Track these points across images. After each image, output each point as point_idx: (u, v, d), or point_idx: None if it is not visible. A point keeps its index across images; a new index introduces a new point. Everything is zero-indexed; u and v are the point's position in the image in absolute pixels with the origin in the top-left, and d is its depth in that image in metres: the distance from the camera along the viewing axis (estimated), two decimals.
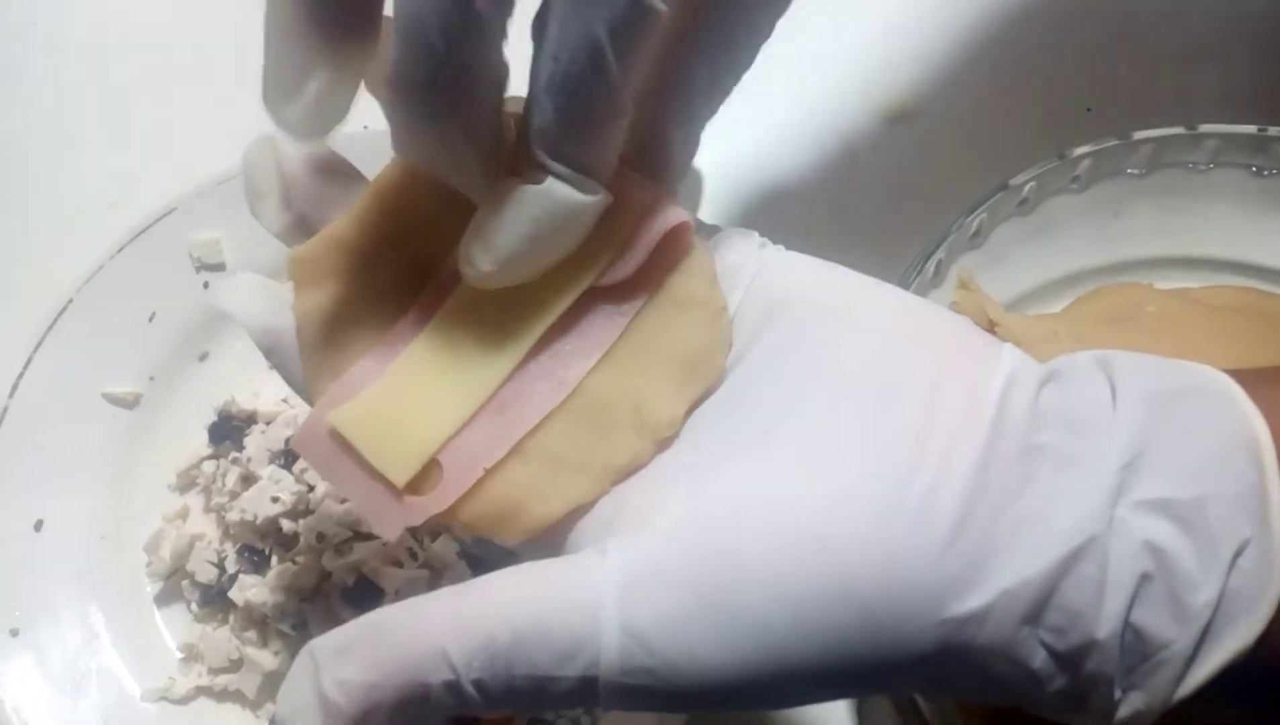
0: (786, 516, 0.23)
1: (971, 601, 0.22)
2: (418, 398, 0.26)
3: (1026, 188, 0.41)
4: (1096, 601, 0.22)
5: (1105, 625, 0.22)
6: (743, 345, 0.26)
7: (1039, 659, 0.23)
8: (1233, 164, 0.41)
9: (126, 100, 0.56)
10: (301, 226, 0.28)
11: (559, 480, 0.25)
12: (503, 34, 0.22)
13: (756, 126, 0.51)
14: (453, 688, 0.22)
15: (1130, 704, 0.23)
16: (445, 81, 0.22)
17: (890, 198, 0.49)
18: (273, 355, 0.28)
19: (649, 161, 0.27)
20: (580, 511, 0.25)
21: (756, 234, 0.28)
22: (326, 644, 0.23)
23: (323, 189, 0.28)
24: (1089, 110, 0.50)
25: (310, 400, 0.28)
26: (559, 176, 0.23)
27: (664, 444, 0.25)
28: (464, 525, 0.26)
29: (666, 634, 0.22)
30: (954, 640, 0.22)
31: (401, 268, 0.27)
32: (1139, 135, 0.41)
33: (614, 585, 0.23)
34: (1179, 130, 0.41)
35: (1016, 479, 0.23)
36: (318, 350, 0.27)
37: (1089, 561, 0.22)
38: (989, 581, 0.22)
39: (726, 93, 0.27)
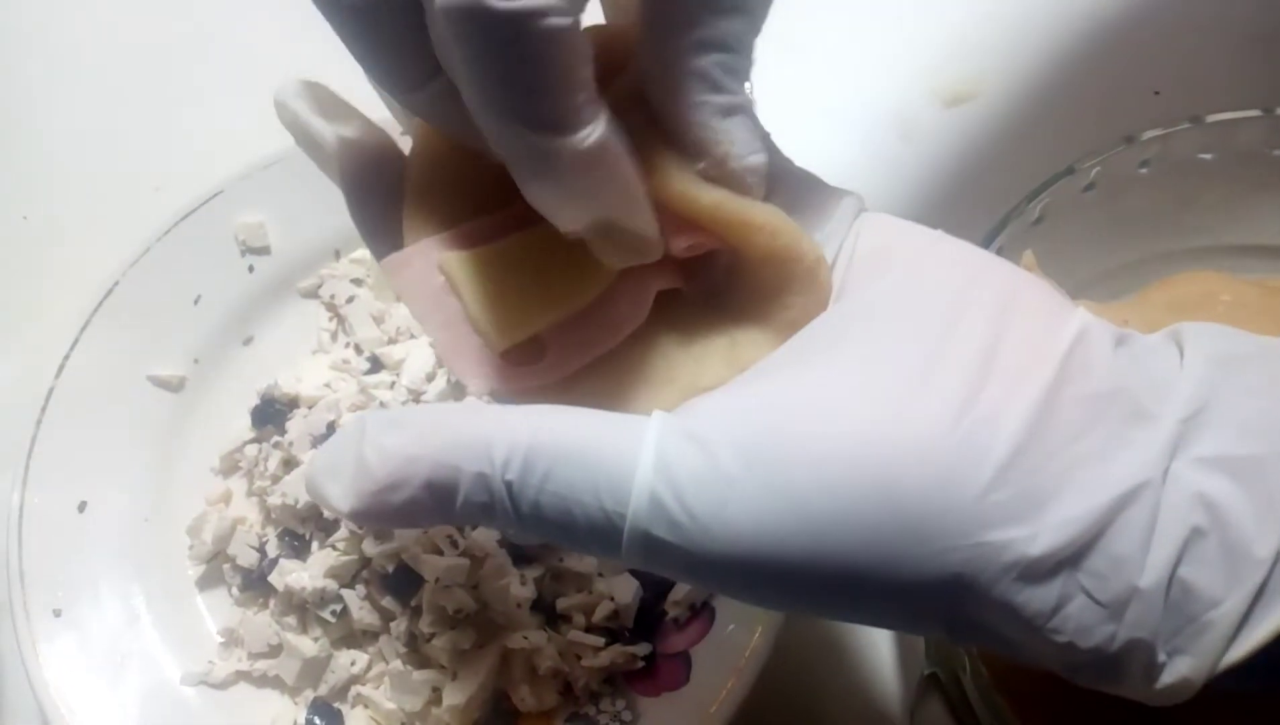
0: (842, 414, 0.22)
1: (1014, 531, 0.21)
2: (535, 273, 0.25)
3: (1093, 172, 0.39)
4: (1142, 549, 0.21)
5: (1150, 574, 0.21)
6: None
7: (1076, 604, 0.22)
8: None
9: (172, 85, 0.56)
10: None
11: (647, 388, 0.25)
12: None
13: (813, 111, 0.50)
14: (484, 482, 0.22)
15: (1174, 670, 0.22)
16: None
17: (950, 182, 0.47)
18: (352, 178, 0.26)
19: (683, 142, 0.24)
20: None
21: (859, 195, 0.26)
22: (381, 415, 0.23)
23: None
24: (1157, 93, 0.48)
25: (379, 241, 0.26)
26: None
27: None
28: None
29: (701, 490, 0.22)
30: (989, 568, 0.21)
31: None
32: (1213, 118, 0.39)
33: (657, 435, 0.22)
34: (1255, 113, 0.39)
35: (1078, 423, 0.22)
36: (427, 192, 0.26)
37: (1139, 509, 0.21)
38: (1036, 515, 0.21)
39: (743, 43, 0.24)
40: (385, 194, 0.27)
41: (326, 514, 0.41)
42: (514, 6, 0.20)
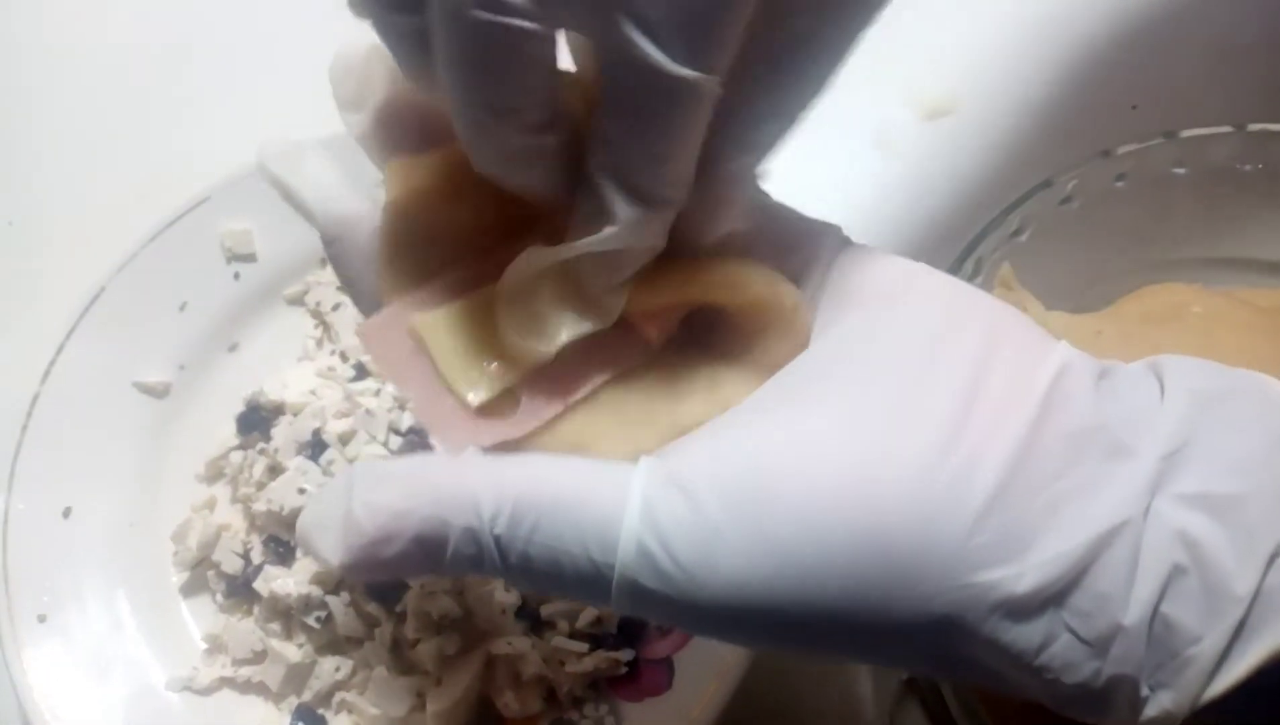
0: (826, 457, 0.22)
1: (999, 571, 0.22)
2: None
3: (1069, 185, 0.40)
4: (1126, 587, 0.22)
5: (1133, 611, 0.22)
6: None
7: (1062, 642, 0.22)
8: None
9: (157, 92, 0.56)
10: (385, 138, 0.27)
11: (626, 430, 0.25)
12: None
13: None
14: (473, 536, 0.23)
15: (1157, 703, 0.22)
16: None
17: (929, 195, 0.48)
18: (335, 245, 0.27)
19: (707, 193, 0.25)
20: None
21: (839, 228, 0.27)
22: (367, 469, 0.24)
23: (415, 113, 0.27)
24: (1134, 108, 0.49)
25: (364, 300, 0.27)
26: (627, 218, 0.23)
27: None
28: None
29: (688, 539, 0.22)
30: (976, 609, 0.22)
31: (495, 205, 0.26)
32: (1186, 133, 0.40)
33: (642, 484, 0.23)
34: (1227, 129, 0.40)
35: (1060, 460, 0.22)
36: (399, 251, 0.26)
37: (1121, 546, 0.22)
38: (1020, 555, 0.22)
39: (790, 122, 0.25)
40: (368, 256, 0.27)
41: None
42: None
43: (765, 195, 0.27)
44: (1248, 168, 0.41)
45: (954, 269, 0.39)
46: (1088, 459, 0.22)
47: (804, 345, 0.25)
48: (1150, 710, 0.22)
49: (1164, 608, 0.22)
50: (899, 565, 0.21)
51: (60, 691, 0.40)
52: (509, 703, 0.39)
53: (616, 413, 0.25)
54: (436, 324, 0.25)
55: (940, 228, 0.40)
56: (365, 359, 0.45)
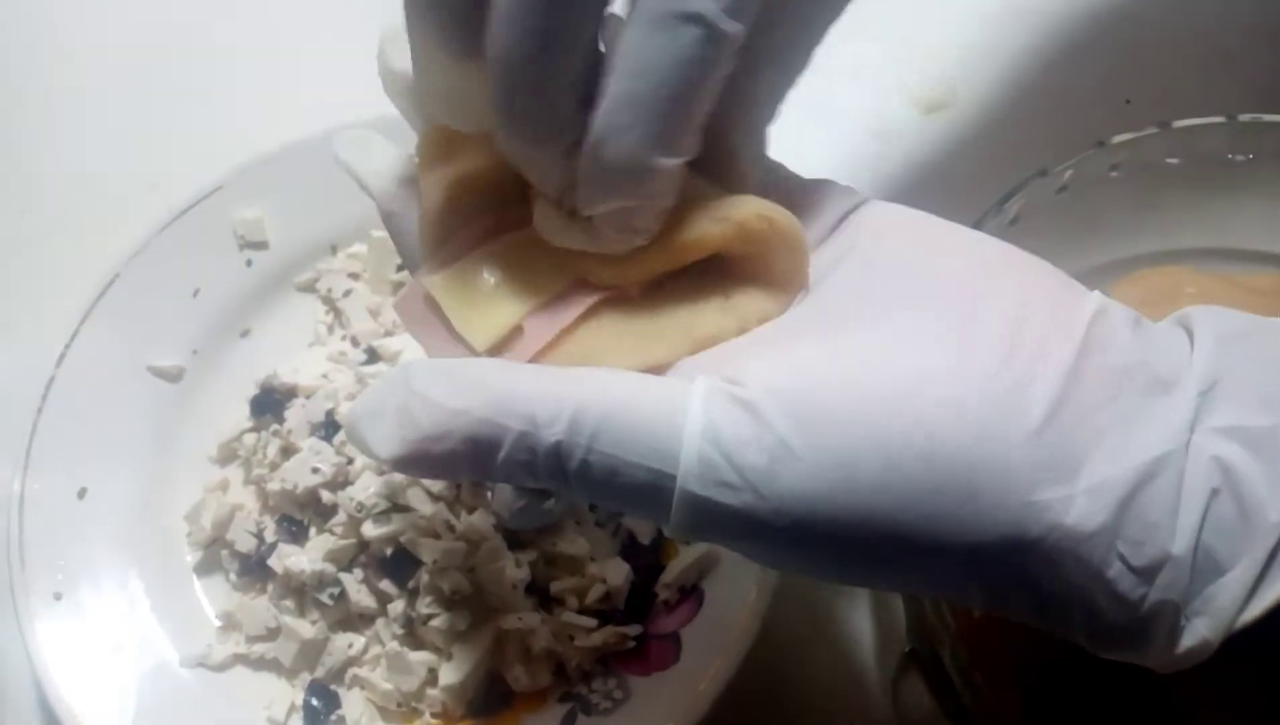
0: (885, 376, 0.23)
1: (1056, 490, 0.22)
2: (506, 272, 0.26)
3: (1065, 175, 0.41)
4: (1172, 516, 0.22)
5: (1180, 540, 0.22)
6: (838, 256, 0.26)
7: (1114, 570, 0.22)
8: (1273, 154, 0.41)
9: (171, 82, 0.57)
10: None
11: (636, 342, 0.26)
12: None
13: (792, 116, 0.52)
14: (527, 441, 0.23)
15: (1194, 632, 0.23)
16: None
17: (927, 185, 0.49)
18: (391, 221, 0.29)
19: (721, 173, 0.27)
20: (660, 371, 0.26)
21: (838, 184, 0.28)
22: (424, 364, 0.24)
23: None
24: (1128, 102, 0.50)
25: (414, 270, 0.28)
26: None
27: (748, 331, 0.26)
28: None
29: (751, 450, 0.22)
30: (1034, 529, 0.22)
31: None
32: (1179, 124, 0.41)
33: (701, 399, 0.23)
34: (1219, 120, 0.41)
35: (1104, 392, 0.23)
36: (439, 223, 0.27)
37: (1167, 476, 0.22)
38: (1071, 478, 0.22)
39: (783, 97, 0.27)
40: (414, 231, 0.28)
41: (324, 499, 0.42)
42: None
43: (769, 159, 0.28)
44: (1239, 158, 0.42)
45: None
46: (1129, 392, 0.23)
47: (804, 263, 0.26)
48: (1187, 640, 0.23)
49: (1204, 536, 0.22)
50: (960, 478, 0.22)
51: (75, 668, 0.41)
52: (519, 677, 0.40)
53: (624, 329, 0.26)
54: (444, 281, 0.26)
55: (938, 215, 0.41)
56: (376, 343, 0.46)
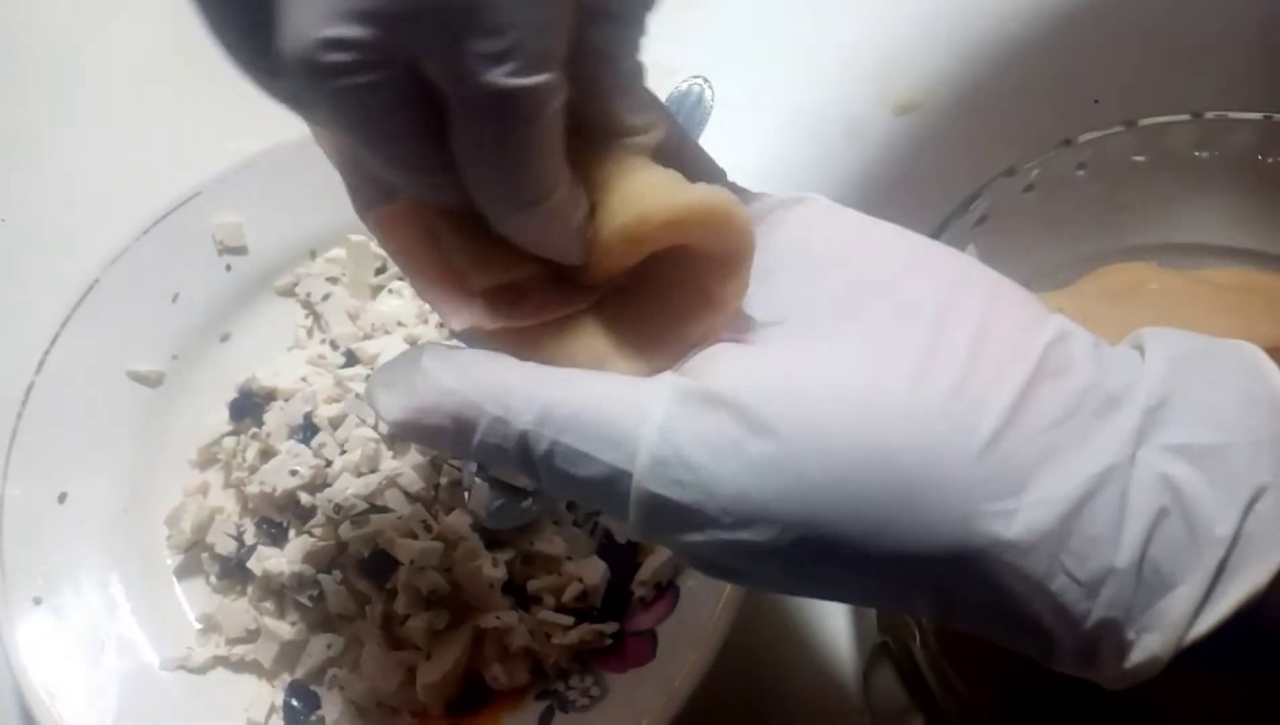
0: (839, 383, 0.23)
1: (999, 504, 0.23)
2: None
3: (1032, 173, 0.42)
4: (1116, 529, 0.23)
5: (1124, 553, 0.23)
6: (802, 279, 0.26)
7: (1058, 583, 0.23)
8: (1238, 151, 0.42)
9: (149, 88, 0.57)
10: None
11: (642, 347, 0.26)
12: None
13: (763, 117, 0.52)
14: (501, 426, 0.24)
15: (1143, 648, 0.23)
16: None
17: (897, 187, 0.50)
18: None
19: (603, 132, 0.26)
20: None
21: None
22: (437, 349, 0.26)
23: None
24: (1096, 102, 0.51)
25: (357, 193, 0.28)
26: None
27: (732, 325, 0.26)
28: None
29: (703, 452, 0.23)
30: (978, 541, 0.22)
31: None
32: (1145, 122, 0.42)
33: (662, 400, 0.24)
34: (1184, 117, 0.42)
35: (1056, 412, 0.23)
36: None
37: (1110, 491, 0.23)
38: (1018, 493, 0.23)
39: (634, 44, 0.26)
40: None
41: (303, 502, 0.43)
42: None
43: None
44: (1204, 155, 0.42)
45: None
46: (1081, 413, 0.23)
47: (746, 244, 0.25)
48: (1136, 655, 0.23)
49: (1151, 551, 0.23)
50: (905, 489, 0.22)
51: (56, 672, 0.41)
52: (497, 675, 0.40)
53: (628, 332, 0.26)
54: (454, 219, 0.26)
55: (907, 213, 0.41)
56: (355, 347, 0.46)
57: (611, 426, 0.24)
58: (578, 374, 0.25)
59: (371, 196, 0.27)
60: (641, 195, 0.25)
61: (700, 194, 0.25)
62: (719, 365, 0.25)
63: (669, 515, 0.24)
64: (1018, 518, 0.23)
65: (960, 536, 0.23)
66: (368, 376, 0.45)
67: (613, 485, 0.24)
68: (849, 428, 0.23)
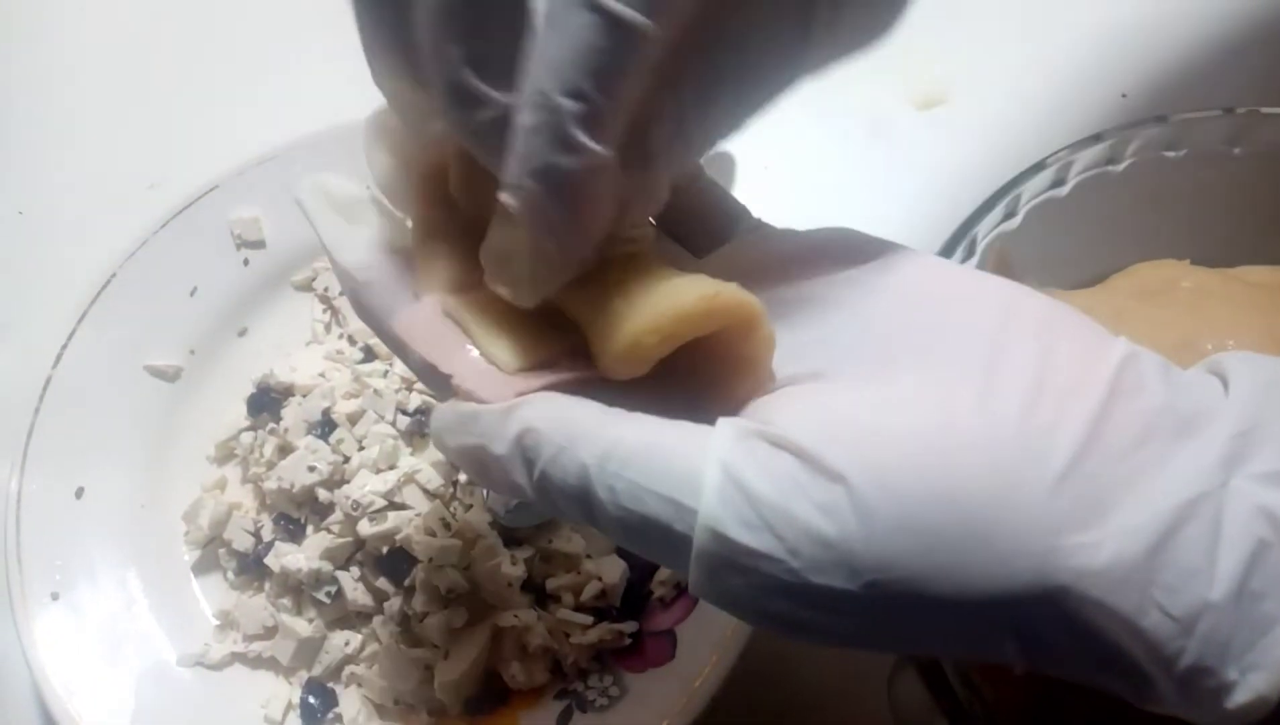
0: (900, 426, 0.22)
1: (1084, 535, 0.21)
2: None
3: (1061, 167, 0.41)
4: (1209, 561, 0.21)
5: (1220, 586, 0.21)
6: (852, 319, 0.25)
7: (1151, 619, 0.21)
8: (1270, 147, 0.41)
9: (168, 83, 0.57)
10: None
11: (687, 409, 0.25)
12: None
13: (785, 114, 0.52)
14: (565, 457, 0.23)
15: (1249, 687, 0.22)
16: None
17: (924, 181, 0.49)
18: (362, 294, 0.28)
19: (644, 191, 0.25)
20: None
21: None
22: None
23: None
24: (1124, 96, 0.50)
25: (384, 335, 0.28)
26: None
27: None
28: None
29: (770, 491, 0.22)
30: (1062, 574, 0.21)
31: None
32: (1175, 116, 0.41)
33: (726, 439, 0.23)
34: (1215, 112, 0.41)
35: (1133, 436, 0.22)
36: (429, 255, 0.27)
37: (1201, 520, 0.22)
38: (1100, 522, 0.21)
39: (714, 130, 0.26)
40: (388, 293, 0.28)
41: (321, 498, 0.42)
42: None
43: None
44: (1236, 151, 0.41)
45: (948, 251, 0.40)
46: (1159, 436, 0.22)
47: (763, 347, 0.25)
48: (1240, 695, 0.22)
49: (1252, 584, 0.21)
50: (979, 525, 0.21)
51: (73, 668, 0.41)
52: (515, 674, 0.40)
53: (672, 392, 0.25)
54: (470, 304, 0.26)
55: (935, 212, 0.41)
56: (373, 342, 0.46)
57: (676, 464, 0.23)
58: (640, 415, 0.24)
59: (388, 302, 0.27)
60: (644, 307, 0.24)
61: (706, 297, 0.24)
62: (779, 408, 0.24)
63: (734, 560, 0.22)
64: (1102, 549, 0.21)
65: (1041, 571, 0.21)
66: (385, 373, 0.45)
67: (674, 526, 0.23)
68: (916, 465, 0.22)
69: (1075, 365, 0.23)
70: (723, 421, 0.23)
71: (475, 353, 0.26)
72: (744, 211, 0.29)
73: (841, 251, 0.26)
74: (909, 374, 0.23)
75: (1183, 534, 0.21)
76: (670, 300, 0.24)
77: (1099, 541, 0.21)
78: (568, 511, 0.24)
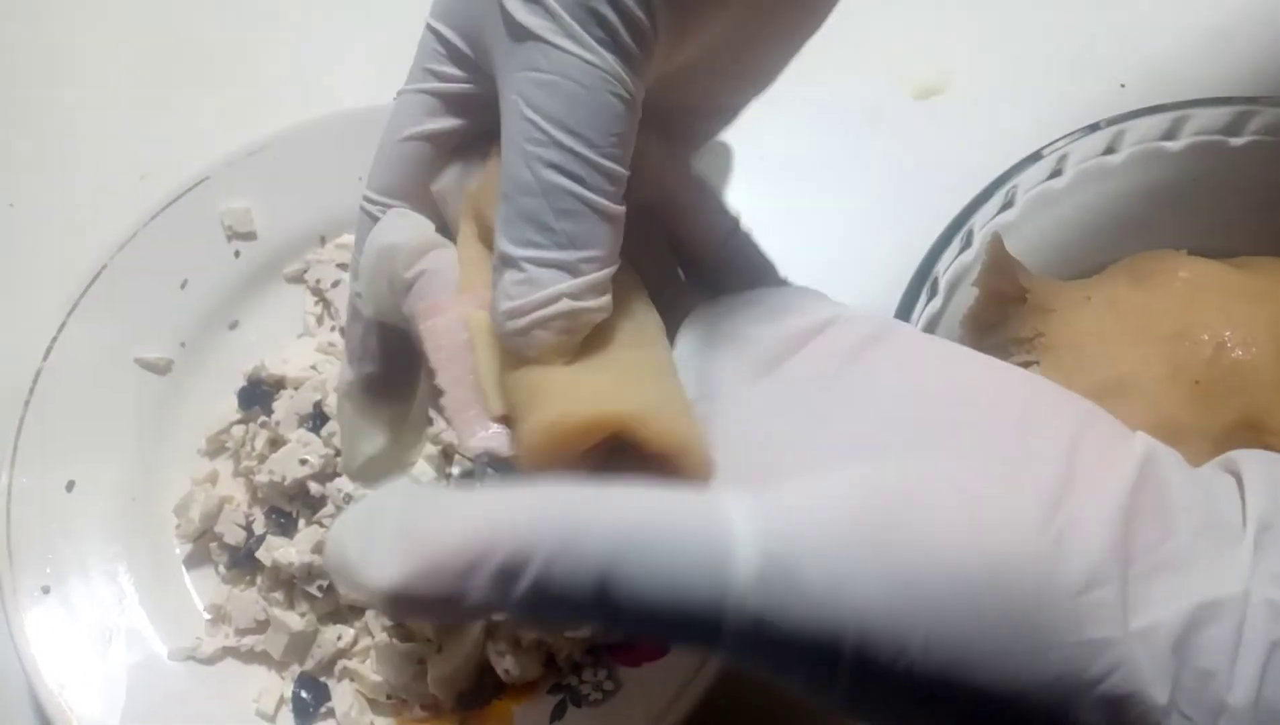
0: (944, 498, 0.22)
1: (1111, 629, 0.21)
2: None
3: (1058, 158, 0.41)
4: (1229, 663, 0.21)
5: (1239, 690, 0.21)
6: (833, 372, 0.25)
7: (1173, 721, 0.21)
8: (1267, 137, 0.41)
9: (157, 74, 0.56)
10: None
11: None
12: None
13: (781, 102, 0.51)
14: (569, 554, 0.20)
15: None
16: None
17: (921, 171, 0.49)
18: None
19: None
20: None
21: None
22: (432, 484, 0.24)
23: None
24: (1122, 86, 0.49)
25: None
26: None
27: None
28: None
29: (812, 565, 0.21)
30: (1093, 669, 0.21)
31: None
32: (1173, 106, 0.41)
33: (748, 510, 0.21)
34: (1214, 103, 0.41)
35: (1155, 534, 0.22)
36: (474, 264, 0.27)
37: (1222, 622, 0.22)
38: (1127, 617, 0.22)
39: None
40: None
41: (313, 491, 0.42)
42: None
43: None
44: (1234, 141, 0.41)
45: (945, 241, 0.39)
46: (1181, 534, 0.22)
47: (684, 451, 0.24)
48: None
49: (1265, 690, 0.21)
50: (1019, 610, 0.21)
51: (64, 662, 0.41)
52: (509, 669, 0.40)
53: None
54: (483, 324, 0.26)
55: (932, 203, 0.41)
56: None
57: (703, 544, 0.21)
58: (635, 486, 0.22)
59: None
60: (534, 413, 0.24)
61: (564, 417, 0.23)
62: (797, 483, 0.23)
63: (776, 641, 0.21)
64: (1129, 646, 0.21)
65: (1073, 662, 0.21)
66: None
67: (706, 616, 0.21)
68: (954, 542, 0.21)
69: (1100, 459, 0.23)
70: (736, 496, 0.22)
71: (471, 378, 0.26)
72: (772, 269, 0.29)
73: (857, 334, 0.26)
74: (934, 455, 0.23)
75: (1203, 635, 0.21)
76: (551, 411, 0.23)
77: (1124, 637, 0.21)
78: (573, 620, 0.22)
